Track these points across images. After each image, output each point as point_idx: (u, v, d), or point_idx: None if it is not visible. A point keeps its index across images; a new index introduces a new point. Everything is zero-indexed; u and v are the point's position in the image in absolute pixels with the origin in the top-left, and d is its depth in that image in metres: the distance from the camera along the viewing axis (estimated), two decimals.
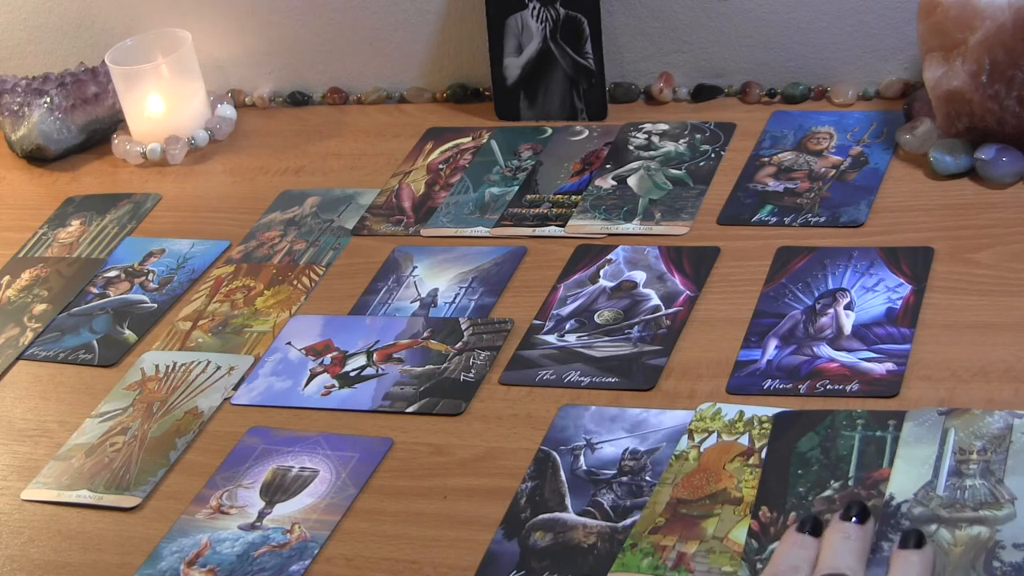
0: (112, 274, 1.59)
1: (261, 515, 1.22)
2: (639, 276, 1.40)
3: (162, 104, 1.77)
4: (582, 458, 1.20)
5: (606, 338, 1.33)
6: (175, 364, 1.42)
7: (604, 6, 1.65)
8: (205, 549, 1.20)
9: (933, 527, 1.04)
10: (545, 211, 1.53)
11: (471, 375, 1.32)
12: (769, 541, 1.08)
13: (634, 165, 1.58)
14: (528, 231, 1.51)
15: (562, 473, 1.19)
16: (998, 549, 1.01)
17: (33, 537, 1.26)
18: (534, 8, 1.66)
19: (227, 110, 1.81)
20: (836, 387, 1.21)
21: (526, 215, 1.53)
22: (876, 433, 1.14)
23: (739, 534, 1.09)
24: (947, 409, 1.14)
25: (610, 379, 1.28)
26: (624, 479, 1.17)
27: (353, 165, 1.70)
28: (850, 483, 1.10)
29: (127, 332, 1.49)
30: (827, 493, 1.10)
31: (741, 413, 1.20)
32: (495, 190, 1.58)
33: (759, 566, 1.06)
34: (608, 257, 1.44)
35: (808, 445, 1.14)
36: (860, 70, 1.62)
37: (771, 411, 1.19)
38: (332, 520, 1.20)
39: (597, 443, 1.21)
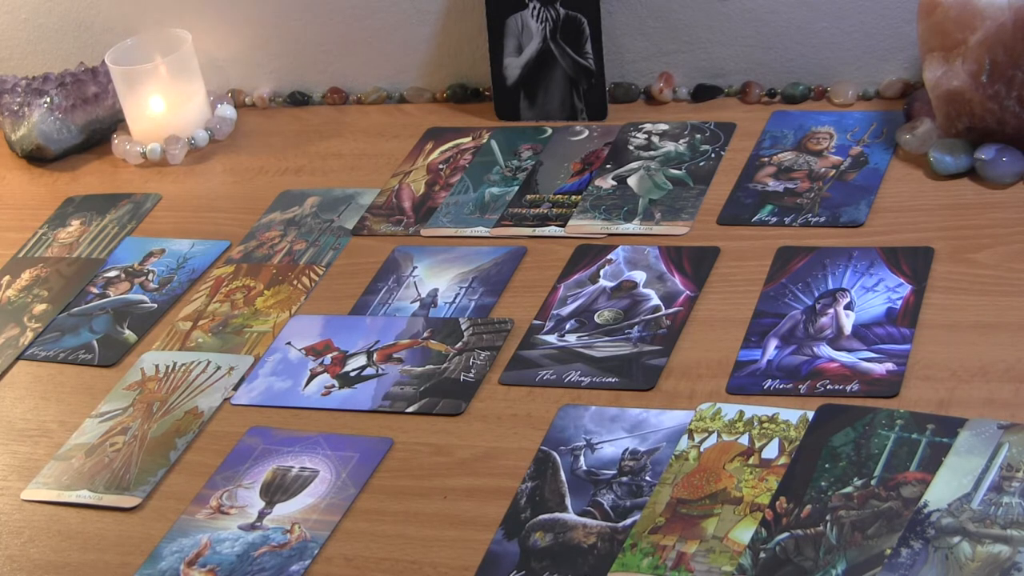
0: (112, 274, 1.59)
1: (261, 515, 1.22)
2: (639, 276, 1.40)
3: (162, 104, 1.77)
4: (582, 458, 1.20)
5: (606, 338, 1.33)
6: (175, 364, 1.42)
7: (604, 6, 1.65)
8: (205, 549, 1.20)
9: (956, 539, 1.03)
10: (545, 211, 1.53)
11: (471, 375, 1.32)
12: (777, 532, 1.08)
13: (634, 165, 1.57)
14: (528, 231, 1.51)
15: (562, 473, 1.19)
16: (1014, 571, 1.00)
17: (33, 537, 1.26)
18: (534, 8, 1.66)
19: (227, 110, 1.81)
20: (836, 387, 1.21)
21: (526, 215, 1.53)
22: (911, 435, 1.13)
23: (739, 534, 1.09)
24: (1008, 423, 1.12)
25: (610, 379, 1.28)
26: (624, 479, 1.17)
27: (353, 165, 1.70)
28: (873, 483, 1.10)
29: (127, 332, 1.49)
30: (847, 490, 1.10)
31: (741, 413, 1.20)
32: (495, 190, 1.58)
33: (762, 555, 1.06)
34: (608, 257, 1.44)
35: (842, 440, 1.14)
36: (860, 70, 1.62)
37: (771, 411, 1.19)
38: (332, 520, 1.20)
39: (597, 443, 1.21)
